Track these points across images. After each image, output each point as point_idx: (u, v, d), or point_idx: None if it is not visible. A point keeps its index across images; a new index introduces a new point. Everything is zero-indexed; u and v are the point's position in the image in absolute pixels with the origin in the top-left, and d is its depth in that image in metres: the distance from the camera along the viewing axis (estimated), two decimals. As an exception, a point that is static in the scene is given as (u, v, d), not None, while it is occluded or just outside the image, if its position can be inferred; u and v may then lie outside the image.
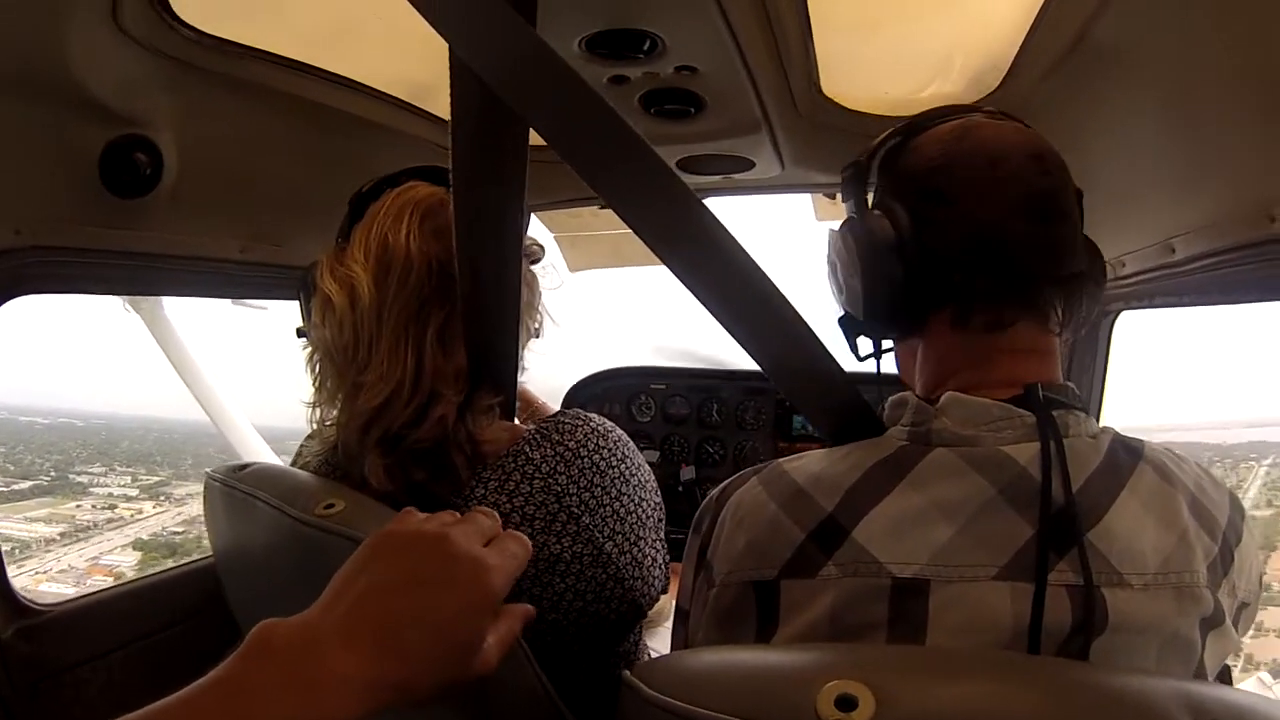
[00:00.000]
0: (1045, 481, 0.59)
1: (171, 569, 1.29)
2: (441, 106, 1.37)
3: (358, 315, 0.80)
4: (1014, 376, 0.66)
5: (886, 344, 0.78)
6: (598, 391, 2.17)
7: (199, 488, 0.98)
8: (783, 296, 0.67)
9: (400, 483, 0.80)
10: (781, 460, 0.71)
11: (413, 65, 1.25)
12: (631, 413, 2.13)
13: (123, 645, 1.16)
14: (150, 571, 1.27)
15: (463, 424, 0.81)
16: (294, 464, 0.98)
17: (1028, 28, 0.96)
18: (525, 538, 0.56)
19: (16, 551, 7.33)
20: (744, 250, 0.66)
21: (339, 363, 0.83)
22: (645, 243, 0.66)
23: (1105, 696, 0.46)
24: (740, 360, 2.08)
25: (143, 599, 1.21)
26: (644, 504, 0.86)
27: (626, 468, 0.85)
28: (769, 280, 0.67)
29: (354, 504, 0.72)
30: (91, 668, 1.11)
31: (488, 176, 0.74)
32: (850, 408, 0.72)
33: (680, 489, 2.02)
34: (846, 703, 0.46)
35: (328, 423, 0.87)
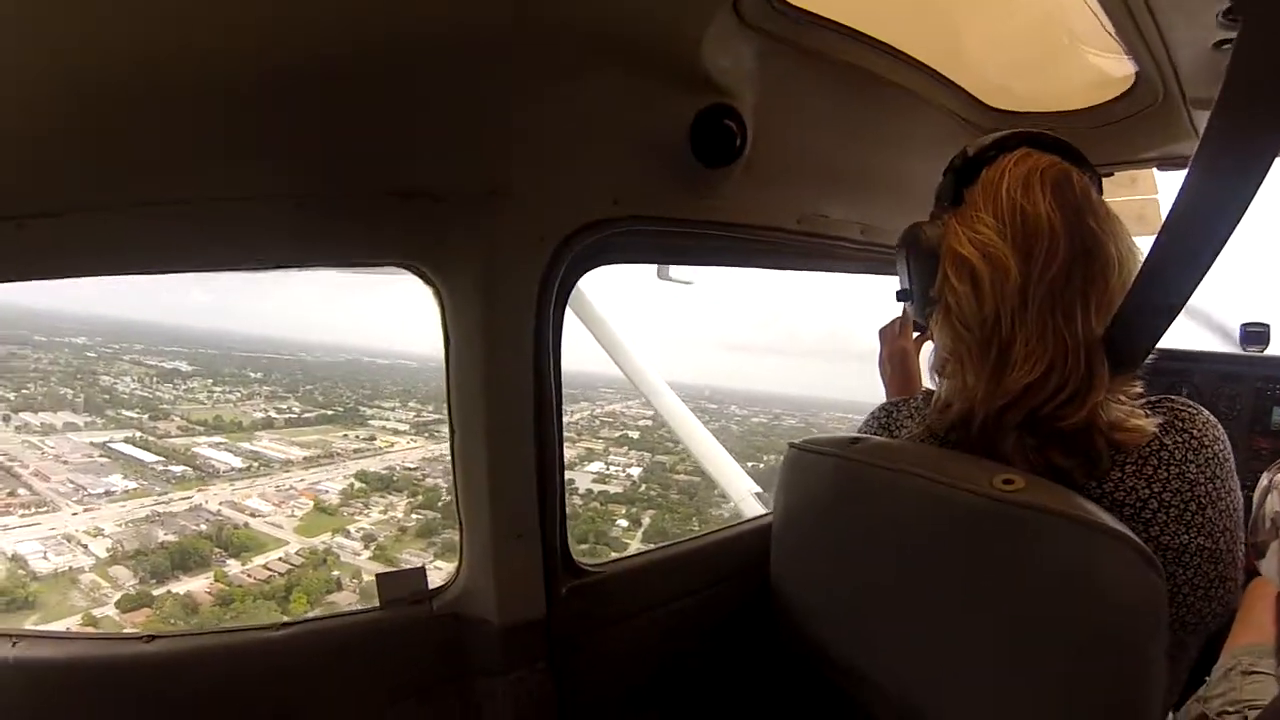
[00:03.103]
0: None
1: (721, 529, 1.34)
2: (975, 84, 1.34)
3: (1001, 287, 0.78)
4: None
5: None
6: None
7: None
8: None
9: (1040, 463, 0.79)
10: None
11: (973, 41, 1.26)
12: None
13: (662, 603, 1.18)
14: (703, 530, 1.33)
15: (1105, 409, 0.79)
16: (868, 430, 1.02)
17: None
18: None
19: (256, 468, 8.31)
20: None
21: (976, 334, 0.81)
22: None
23: None
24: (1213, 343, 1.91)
25: (684, 561, 1.24)
26: (1239, 502, 0.82)
27: (1233, 463, 0.82)
28: None
29: (1031, 481, 0.74)
30: (623, 625, 1.14)
31: (1242, 154, 0.69)
32: None
33: None
34: None
35: (955, 395, 0.84)
